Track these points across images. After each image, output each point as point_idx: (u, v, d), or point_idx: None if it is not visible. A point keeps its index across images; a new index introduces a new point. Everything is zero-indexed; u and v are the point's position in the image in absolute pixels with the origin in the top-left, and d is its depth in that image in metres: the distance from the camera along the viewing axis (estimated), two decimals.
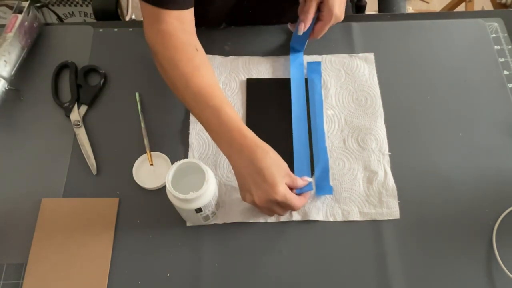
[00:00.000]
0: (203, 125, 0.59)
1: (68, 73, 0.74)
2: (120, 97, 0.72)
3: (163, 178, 0.64)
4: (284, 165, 0.56)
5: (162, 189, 0.64)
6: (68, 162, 0.66)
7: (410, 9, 1.83)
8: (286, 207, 0.56)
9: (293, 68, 0.74)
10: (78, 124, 0.69)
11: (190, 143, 0.67)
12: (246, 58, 0.76)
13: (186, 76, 0.58)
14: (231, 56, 0.76)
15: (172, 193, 0.52)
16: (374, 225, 0.61)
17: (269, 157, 0.55)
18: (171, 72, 0.60)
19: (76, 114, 0.70)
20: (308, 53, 0.76)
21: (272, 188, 0.53)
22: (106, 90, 0.73)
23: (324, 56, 0.76)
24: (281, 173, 0.55)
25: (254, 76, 0.74)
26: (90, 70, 0.75)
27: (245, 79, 0.73)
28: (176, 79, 0.59)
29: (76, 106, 0.71)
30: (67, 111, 0.70)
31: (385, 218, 0.62)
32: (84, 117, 0.70)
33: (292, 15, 0.74)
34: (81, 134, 0.68)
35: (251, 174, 0.54)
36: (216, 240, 0.60)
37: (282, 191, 0.53)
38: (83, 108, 0.71)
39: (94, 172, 0.65)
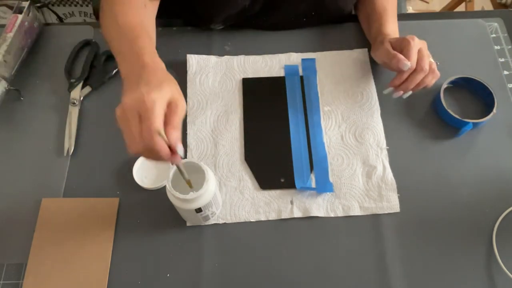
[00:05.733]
0: (117, 55, 0.55)
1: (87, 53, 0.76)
2: (119, 96, 0.72)
3: (163, 178, 0.64)
4: (174, 94, 0.48)
5: (162, 189, 0.64)
6: (68, 162, 0.66)
7: (410, 9, 1.83)
8: (146, 121, 0.44)
9: (288, 66, 0.75)
10: (75, 103, 0.69)
11: (188, 143, 0.67)
12: (241, 58, 0.76)
13: (115, 13, 0.59)
14: (226, 56, 0.76)
15: (172, 193, 0.52)
16: (375, 219, 0.62)
17: (164, 76, 0.51)
18: (107, 10, 0.60)
19: (77, 92, 0.71)
20: (303, 50, 0.77)
21: (148, 91, 0.45)
22: (111, 84, 0.74)
23: (319, 53, 0.76)
24: (166, 92, 0.47)
25: (250, 75, 0.74)
26: (110, 57, 0.75)
27: (241, 78, 0.73)
28: (108, 16, 0.60)
29: (81, 85, 0.72)
30: (71, 87, 0.71)
31: (386, 212, 0.62)
32: (85, 108, 0.71)
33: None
34: (73, 113, 0.69)
35: (130, 88, 0.48)
36: (216, 240, 0.60)
37: (154, 99, 0.45)
38: (87, 89, 0.72)
39: (65, 153, 0.66)
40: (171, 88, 0.48)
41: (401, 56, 0.62)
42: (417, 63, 0.63)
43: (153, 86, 0.46)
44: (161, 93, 0.46)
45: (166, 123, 0.46)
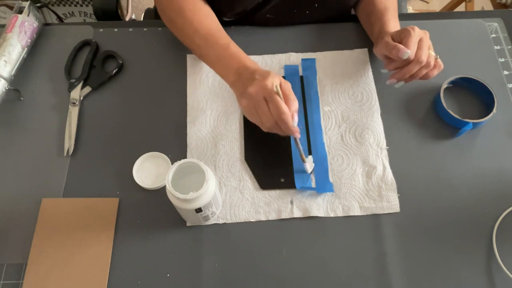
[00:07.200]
0: (210, 60, 0.66)
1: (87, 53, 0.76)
2: (119, 96, 0.73)
3: (163, 178, 0.64)
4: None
5: (162, 189, 0.64)
6: (68, 162, 0.66)
7: (410, 9, 1.83)
8: (273, 104, 0.56)
9: (288, 66, 0.75)
10: (75, 103, 0.70)
11: (188, 143, 0.67)
12: None
13: (195, 24, 0.67)
14: None
15: (172, 193, 0.52)
16: (375, 219, 0.62)
17: (262, 68, 0.61)
18: (180, 21, 0.68)
19: (77, 93, 0.71)
20: (303, 50, 0.77)
21: (264, 78, 0.57)
22: (111, 84, 0.74)
23: (319, 53, 0.76)
24: (275, 76, 0.58)
25: None
26: (110, 56, 0.76)
27: None
28: (185, 26, 0.68)
29: (81, 85, 0.72)
30: (71, 87, 0.71)
31: (386, 212, 0.62)
32: (85, 108, 0.71)
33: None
34: (73, 113, 0.69)
35: (249, 81, 0.58)
36: (216, 240, 0.60)
37: (272, 80, 0.57)
38: (87, 89, 0.72)
39: (65, 153, 0.66)
40: (275, 73, 0.59)
41: (401, 46, 0.61)
42: (415, 54, 0.62)
43: (265, 74, 0.58)
44: (273, 77, 0.57)
45: (284, 98, 0.57)
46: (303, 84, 0.73)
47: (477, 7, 1.58)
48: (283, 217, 0.62)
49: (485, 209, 0.62)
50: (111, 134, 0.69)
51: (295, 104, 0.58)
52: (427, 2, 1.94)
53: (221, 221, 0.62)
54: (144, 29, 0.80)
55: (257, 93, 0.57)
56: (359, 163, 0.66)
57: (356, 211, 0.62)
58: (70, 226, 0.61)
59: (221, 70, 0.64)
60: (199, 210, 0.55)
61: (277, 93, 0.56)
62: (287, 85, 0.59)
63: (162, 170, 0.65)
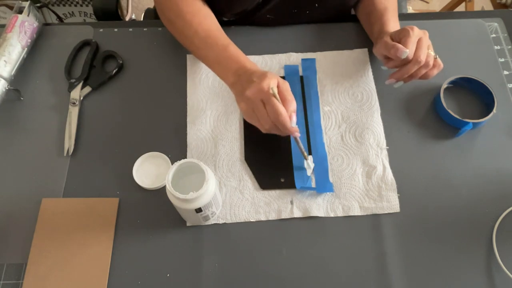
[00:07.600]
0: (209, 61, 0.66)
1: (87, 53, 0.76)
2: (119, 96, 0.72)
3: (163, 178, 0.64)
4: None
5: (162, 189, 0.64)
6: (68, 162, 0.66)
7: (410, 9, 1.82)
8: (270, 106, 0.56)
9: (288, 66, 0.75)
10: (75, 103, 0.70)
11: (188, 143, 0.67)
12: None
13: (194, 25, 0.67)
14: None
15: (172, 193, 0.52)
16: (375, 219, 0.62)
17: (261, 69, 0.61)
18: (179, 22, 0.68)
19: (77, 92, 0.71)
20: (303, 50, 0.77)
21: (261, 80, 0.57)
22: (111, 84, 0.74)
23: (319, 53, 0.76)
24: (273, 77, 0.58)
25: None
26: (110, 56, 0.76)
27: None
28: (185, 28, 0.68)
29: (81, 85, 0.72)
30: (71, 87, 0.71)
31: (386, 212, 0.62)
32: (85, 108, 0.71)
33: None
34: (73, 113, 0.69)
35: (247, 83, 0.58)
36: (216, 240, 0.60)
37: (269, 82, 0.57)
38: (87, 89, 0.72)
39: (65, 153, 0.66)
40: (273, 74, 0.58)
41: (399, 45, 0.61)
42: (414, 53, 0.62)
43: (262, 76, 0.57)
44: (270, 79, 0.57)
45: (282, 99, 0.58)
46: (303, 84, 0.73)
47: (477, 7, 1.58)
48: (283, 217, 0.62)
49: (485, 209, 0.62)
50: (111, 134, 0.69)
51: (293, 104, 0.58)
52: (427, 2, 1.95)
53: (221, 221, 0.62)
54: (144, 29, 0.80)
55: (254, 96, 0.57)
56: (359, 163, 0.66)
57: (356, 211, 0.62)
58: (70, 226, 0.61)
59: (221, 71, 0.64)
60: (199, 210, 0.55)
61: (274, 95, 0.56)
62: (285, 86, 0.59)
63: (162, 170, 0.65)
